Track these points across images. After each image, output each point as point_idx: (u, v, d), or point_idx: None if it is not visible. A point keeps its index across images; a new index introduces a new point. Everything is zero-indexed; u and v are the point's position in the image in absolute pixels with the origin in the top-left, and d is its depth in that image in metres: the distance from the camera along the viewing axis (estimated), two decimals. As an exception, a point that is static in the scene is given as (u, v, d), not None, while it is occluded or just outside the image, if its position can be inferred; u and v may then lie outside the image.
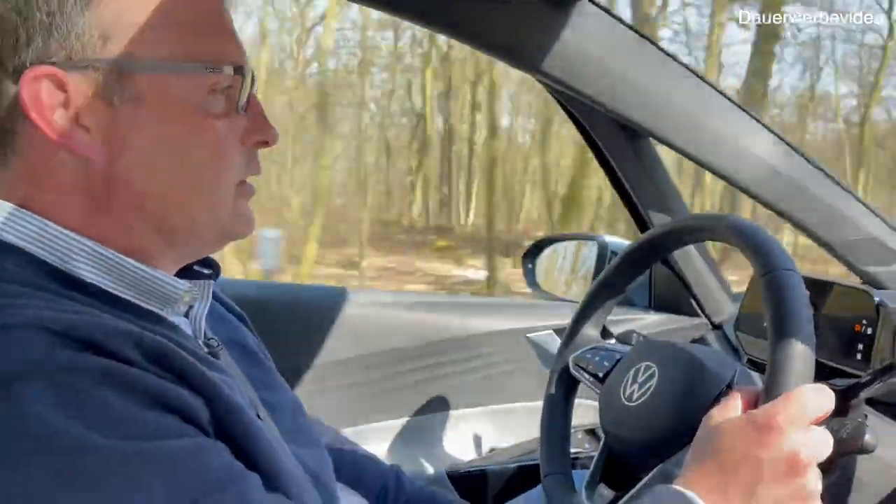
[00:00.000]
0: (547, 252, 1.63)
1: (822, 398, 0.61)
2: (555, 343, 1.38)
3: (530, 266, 1.60)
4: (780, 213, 1.24)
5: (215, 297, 0.75)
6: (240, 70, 0.62)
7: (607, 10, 0.99)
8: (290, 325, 1.28)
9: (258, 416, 0.62)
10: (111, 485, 0.47)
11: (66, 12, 0.56)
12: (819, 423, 0.62)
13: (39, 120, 0.56)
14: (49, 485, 0.46)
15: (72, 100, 0.57)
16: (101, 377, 0.50)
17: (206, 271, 0.71)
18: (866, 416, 0.86)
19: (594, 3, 0.98)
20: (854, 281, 1.29)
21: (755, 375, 0.99)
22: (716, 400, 0.74)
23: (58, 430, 0.47)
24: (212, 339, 0.68)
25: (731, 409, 0.64)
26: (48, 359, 0.49)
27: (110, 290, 0.59)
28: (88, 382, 0.49)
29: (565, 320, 1.39)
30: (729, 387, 0.76)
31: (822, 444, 0.60)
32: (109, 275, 0.59)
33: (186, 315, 0.67)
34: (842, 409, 0.80)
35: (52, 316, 0.51)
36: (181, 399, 0.53)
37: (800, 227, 1.26)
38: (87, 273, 0.58)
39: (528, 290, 1.60)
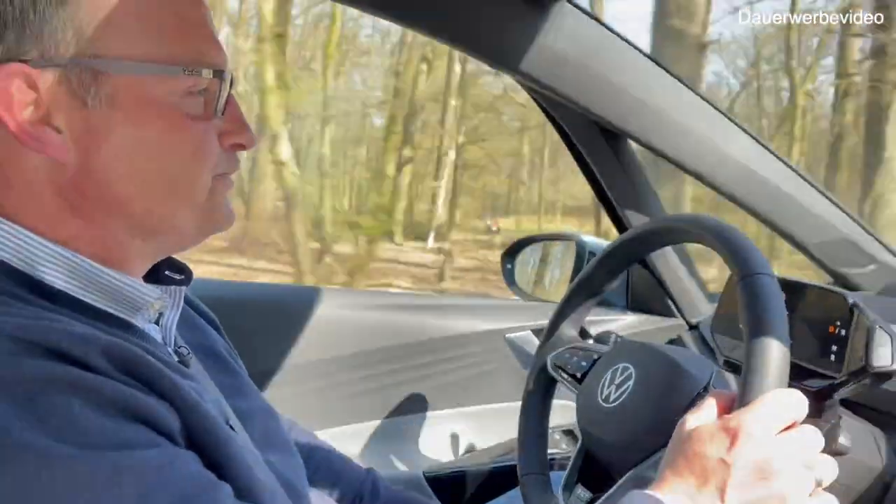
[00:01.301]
0: (525, 251, 1.63)
1: (796, 403, 0.62)
2: (533, 343, 1.37)
3: (509, 266, 1.60)
4: (755, 214, 1.25)
5: (187, 301, 0.74)
6: (219, 73, 0.60)
7: (586, 11, 0.99)
8: (266, 326, 1.27)
9: (229, 425, 0.61)
10: (78, 497, 0.46)
11: (40, 9, 0.54)
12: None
13: (8, 119, 0.55)
14: (12, 498, 0.45)
15: (43, 99, 0.55)
16: (68, 386, 0.48)
17: (177, 276, 0.69)
18: (840, 417, 0.87)
19: (573, 3, 0.97)
20: (828, 282, 1.31)
21: (731, 377, 0.99)
22: (692, 403, 0.74)
23: (22, 442, 0.46)
24: (182, 346, 0.67)
25: (706, 413, 0.64)
26: (13, 368, 0.48)
27: (78, 296, 0.58)
28: (54, 392, 0.48)
29: (543, 320, 1.39)
30: (705, 389, 0.76)
31: (797, 448, 0.60)
32: (78, 281, 0.58)
33: (157, 322, 0.66)
34: (816, 410, 0.81)
35: (17, 323, 0.50)
36: (150, 408, 0.51)
37: (774, 227, 1.27)
38: (55, 279, 0.57)
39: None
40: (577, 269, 1.45)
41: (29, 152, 0.56)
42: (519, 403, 1.00)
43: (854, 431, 0.84)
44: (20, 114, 0.55)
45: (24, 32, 0.54)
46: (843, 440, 0.65)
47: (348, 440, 1.30)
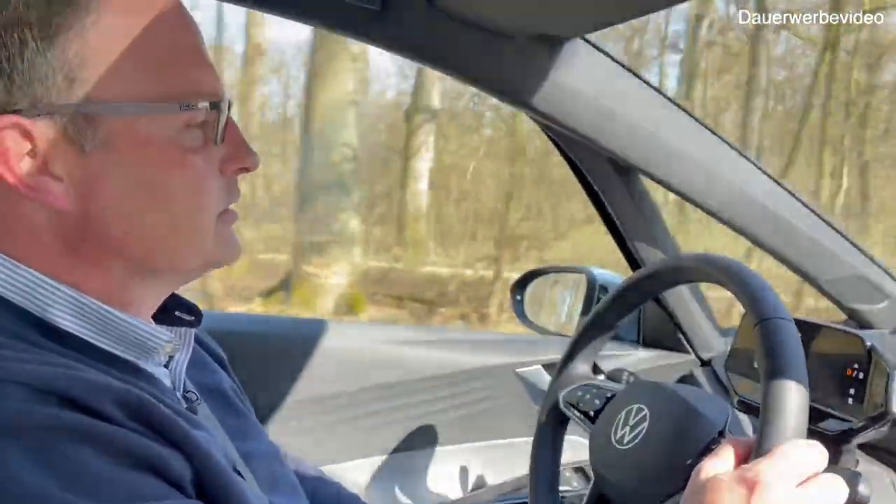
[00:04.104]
0: (535, 284, 1.62)
1: (815, 455, 0.60)
2: (543, 378, 1.36)
3: (518, 298, 1.59)
4: (767, 249, 1.25)
5: (195, 339, 0.73)
6: (216, 105, 0.59)
7: (599, 48, 1.00)
8: (272, 359, 1.26)
9: (236, 471, 0.60)
10: None
11: (27, 56, 0.53)
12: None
13: (5, 172, 0.54)
14: None
15: (39, 148, 0.54)
16: (80, 436, 0.48)
17: (187, 317, 0.68)
18: (857, 461, 0.85)
19: (587, 41, 0.98)
20: (843, 322, 1.29)
21: (746, 419, 0.98)
22: (707, 447, 0.73)
23: (35, 492, 0.45)
24: (190, 391, 0.66)
25: (723, 461, 0.63)
26: (27, 416, 0.47)
27: (88, 339, 0.57)
28: (67, 441, 0.47)
29: (554, 355, 1.38)
30: (721, 434, 0.75)
31: (817, 500, 0.59)
32: (88, 324, 0.57)
33: (166, 365, 0.65)
34: (833, 455, 0.79)
35: (32, 370, 0.49)
36: (161, 458, 0.51)
37: (787, 263, 1.26)
38: (66, 322, 0.56)
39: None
40: (587, 303, 1.44)
41: (29, 202, 0.55)
42: (528, 439, 0.99)
43: (870, 475, 0.82)
44: (17, 166, 0.54)
45: (13, 82, 0.53)
46: (863, 489, 0.64)
47: (356, 475, 1.28)
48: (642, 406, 0.81)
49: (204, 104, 0.58)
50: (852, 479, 0.63)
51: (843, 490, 0.60)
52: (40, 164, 0.55)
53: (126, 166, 0.56)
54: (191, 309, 0.69)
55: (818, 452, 0.60)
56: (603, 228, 1.35)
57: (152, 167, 0.57)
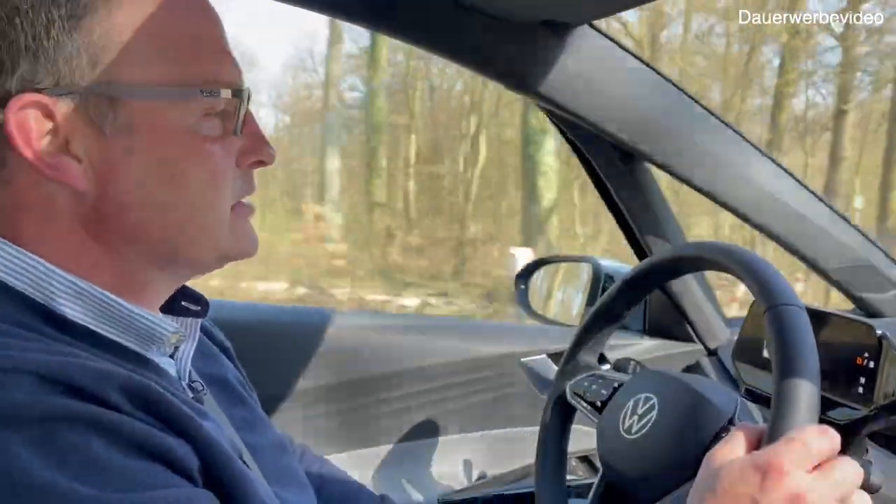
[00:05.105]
0: (539, 273, 1.61)
1: (827, 440, 0.60)
2: (548, 367, 1.36)
3: (523, 287, 1.59)
4: (776, 238, 1.24)
5: (200, 328, 0.73)
6: (237, 93, 0.59)
7: (607, 36, 0.99)
8: (277, 349, 1.26)
9: (242, 461, 0.60)
10: None
11: (53, 35, 0.53)
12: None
13: (26, 150, 0.54)
14: None
15: (60, 128, 0.54)
16: (87, 425, 0.48)
17: (193, 307, 0.68)
18: (867, 450, 0.85)
19: (594, 28, 0.97)
20: (854, 312, 1.29)
21: (754, 407, 0.97)
22: (717, 436, 0.73)
23: (42, 482, 0.45)
24: (196, 381, 0.66)
25: (734, 448, 0.62)
26: (33, 406, 0.47)
27: (94, 328, 0.57)
28: (74, 431, 0.47)
29: (559, 344, 1.37)
30: (731, 422, 0.74)
31: (828, 486, 0.58)
32: (94, 313, 0.57)
33: (172, 355, 0.64)
34: (843, 444, 0.79)
35: (38, 359, 0.49)
36: (168, 447, 0.51)
37: (795, 252, 1.26)
38: (71, 311, 0.56)
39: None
40: (593, 293, 1.43)
41: (48, 182, 0.55)
42: (534, 428, 0.99)
43: (882, 465, 0.82)
44: (38, 144, 0.54)
45: (38, 61, 0.53)
46: (875, 477, 0.63)
47: (360, 465, 1.28)
48: (650, 395, 0.81)
49: (226, 92, 0.58)
50: (865, 466, 0.62)
51: (856, 475, 0.59)
52: (61, 144, 0.55)
53: (144, 151, 0.56)
54: (197, 299, 0.69)
55: (831, 437, 0.60)
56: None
57: (170, 153, 0.57)
